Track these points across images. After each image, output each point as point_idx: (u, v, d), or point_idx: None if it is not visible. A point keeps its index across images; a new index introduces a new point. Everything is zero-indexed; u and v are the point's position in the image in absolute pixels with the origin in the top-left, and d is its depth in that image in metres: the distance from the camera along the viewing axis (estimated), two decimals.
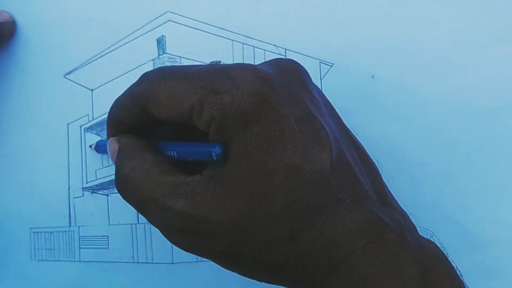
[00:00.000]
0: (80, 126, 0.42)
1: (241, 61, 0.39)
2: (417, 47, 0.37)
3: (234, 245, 0.29)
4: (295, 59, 0.38)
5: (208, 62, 0.39)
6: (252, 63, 0.39)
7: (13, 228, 0.43)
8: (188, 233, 0.29)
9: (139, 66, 0.41)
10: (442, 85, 0.36)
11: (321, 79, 0.38)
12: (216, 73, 0.30)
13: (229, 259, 0.30)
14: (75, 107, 0.41)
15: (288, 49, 0.38)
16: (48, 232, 0.42)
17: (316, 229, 0.28)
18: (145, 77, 0.32)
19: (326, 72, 0.38)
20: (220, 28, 0.39)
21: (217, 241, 0.29)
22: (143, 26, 0.40)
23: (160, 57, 0.40)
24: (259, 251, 0.29)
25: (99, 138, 0.41)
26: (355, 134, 0.32)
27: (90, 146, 0.41)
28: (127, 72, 0.41)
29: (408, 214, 0.31)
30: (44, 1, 0.42)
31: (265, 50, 0.39)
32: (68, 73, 0.42)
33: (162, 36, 0.40)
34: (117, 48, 0.41)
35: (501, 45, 0.36)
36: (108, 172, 0.41)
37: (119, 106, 0.34)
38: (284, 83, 0.30)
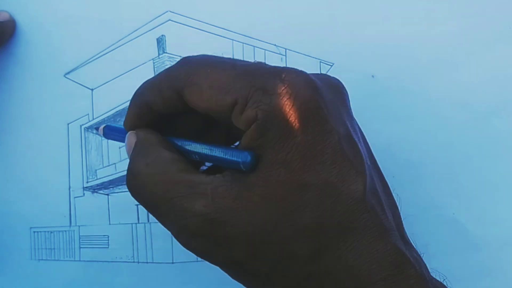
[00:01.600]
0: (80, 126, 0.42)
1: None
2: (417, 47, 0.37)
3: (252, 256, 0.28)
4: (295, 59, 0.38)
5: None
6: None
7: (13, 227, 0.43)
8: (205, 237, 0.28)
9: (139, 65, 0.41)
10: (442, 85, 0.36)
11: None
12: (269, 72, 0.28)
13: (243, 269, 0.29)
14: (75, 106, 0.41)
15: (288, 49, 0.38)
16: (48, 231, 0.42)
17: (341, 252, 0.27)
18: (188, 61, 0.30)
19: (326, 72, 0.38)
20: (220, 28, 0.39)
21: (235, 249, 0.27)
22: (143, 26, 0.40)
23: (160, 56, 0.40)
24: (277, 266, 0.27)
25: (99, 139, 0.41)
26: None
27: (96, 129, 0.37)
28: (127, 72, 0.41)
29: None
30: (44, 1, 0.42)
31: (265, 50, 0.39)
32: (68, 73, 0.42)
33: (162, 35, 0.40)
34: (117, 47, 0.41)
35: (501, 45, 0.36)
36: (108, 171, 0.41)
37: (150, 88, 0.31)
38: (332, 99, 0.29)
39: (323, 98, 0.28)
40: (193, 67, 0.29)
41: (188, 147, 0.30)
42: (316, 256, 0.27)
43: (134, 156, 0.31)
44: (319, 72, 0.32)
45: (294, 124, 0.27)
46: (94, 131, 0.39)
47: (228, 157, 0.28)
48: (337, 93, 0.30)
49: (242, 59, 0.38)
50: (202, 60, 0.29)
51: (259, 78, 0.28)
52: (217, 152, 0.29)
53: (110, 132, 0.36)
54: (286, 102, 0.27)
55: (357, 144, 0.28)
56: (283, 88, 0.27)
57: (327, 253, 0.27)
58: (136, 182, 0.30)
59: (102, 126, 0.36)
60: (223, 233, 0.27)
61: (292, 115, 0.27)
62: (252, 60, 0.39)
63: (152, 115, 0.31)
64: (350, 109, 0.31)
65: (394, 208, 0.30)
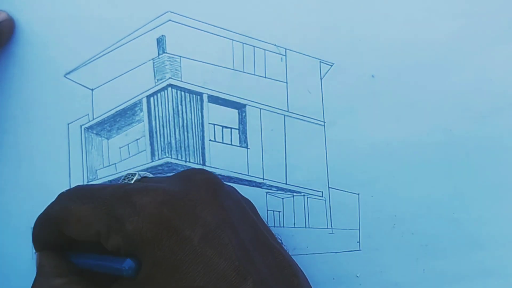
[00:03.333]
0: (81, 126, 0.42)
1: (241, 61, 0.39)
2: (417, 47, 0.37)
3: None
4: (295, 59, 0.38)
5: (208, 61, 0.39)
6: (252, 63, 0.39)
7: (13, 227, 0.43)
8: None
9: (139, 65, 0.41)
10: (442, 85, 0.36)
11: (321, 79, 0.38)
12: (119, 199, 0.30)
13: None
14: (75, 106, 0.41)
15: (288, 49, 0.38)
16: None
17: None
18: (59, 197, 0.34)
19: (326, 72, 0.38)
20: (220, 28, 0.39)
21: None
22: (143, 26, 0.40)
23: (160, 56, 0.40)
24: None
25: (99, 138, 0.41)
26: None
27: None
28: (127, 72, 0.41)
29: None
30: (44, 0, 0.42)
31: (265, 50, 0.39)
32: (68, 73, 0.42)
33: (162, 35, 0.40)
34: (117, 47, 0.41)
35: (501, 45, 0.36)
36: (109, 171, 0.41)
37: (39, 225, 0.35)
38: (188, 201, 0.30)
39: (174, 207, 0.30)
40: (62, 204, 0.33)
41: (80, 260, 0.34)
42: None
43: (32, 286, 0.34)
44: (189, 169, 0.34)
45: (150, 243, 0.29)
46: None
47: (113, 264, 0.30)
48: (199, 188, 0.31)
49: (242, 59, 0.39)
50: (69, 195, 0.33)
51: (112, 207, 0.30)
52: (105, 262, 0.31)
53: None
54: (136, 226, 0.29)
55: (224, 237, 0.30)
56: (131, 213, 0.29)
57: None
58: None
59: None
60: None
61: (144, 237, 0.29)
62: (252, 61, 0.39)
63: (48, 245, 0.35)
64: (218, 195, 0.32)
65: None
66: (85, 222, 0.31)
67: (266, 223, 0.37)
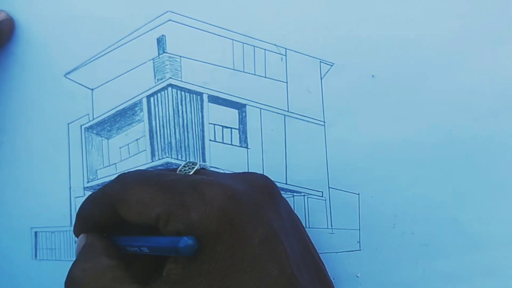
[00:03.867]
0: (81, 126, 0.42)
1: (241, 61, 0.39)
2: (417, 47, 0.37)
3: None
4: (295, 59, 0.38)
5: (208, 61, 0.39)
6: (252, 63, 0.39)
7: (14, 227, 0.43)
8: None
9: (139, 65, 0.41)
10: (442, 85, 0.36)
11: (321, 79, 0.38)
12: (187, 186, 0.30)
13: None
14: (76, 106, 0.41)
15: (288, 49, 0.38)
16: (49, 231, 0.42)
17: None
18: (120, 178, 0.33)
19: (326, 72, 0.38)
20: (220, 27, 0.39)
21: None
22: (143, 26, 0.40)
23: (160, 56, 0.40)
24: None
25: (99, 138, 0.41)
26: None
27: None
28: (127, 72, 0.41)
29: None
30: (44, 0, 0.42)
31: (265, 50, 0.39)
32: (68, 73, 0.42)
33: (162, 35, 0.40)
34: (117, 47, 0.41)
35: (501, 45, 0.36)
36: (109, 171, 0.41)
37: (92, 203, 0.34)
38: (252, 201, 0.30)
39: (240, 204, 0.30)
40: (124, 184, 0.32)
41: (129, 242, 0.33)
42: None
43: (76, 260, 0.33)
44: (252, 172, 0.34)
45: (212, 236, 0.29)
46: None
47: (169, 244, 0.29)
48: (261, 192, 0.32)
49: (242, 59, 0.39)
50: (132, 176, 0.32)
51: (178, 193, 0.30)
52: (157, 243, 0.31)
53: None
54: (202, 216, 0.29)
55: (282, 242, 0.30)
56: (199, 202, 0.29)
57: None
58: (71, 286, 0.32)
59: None
60: None
61: (209, 228, 0.29)
62: (252, 61, 0.39)
63: (95, 225, 0.34)
64: (277, 203, 0.32)
65: None
66: (146, 203, 0.30)
67: None
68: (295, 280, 0.29)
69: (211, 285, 0.28)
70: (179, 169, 0.34)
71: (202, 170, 0.34)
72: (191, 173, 0.33)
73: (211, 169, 0.39)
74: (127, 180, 0.32)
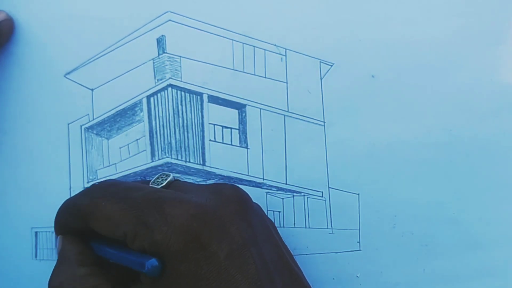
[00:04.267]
0: (81, 126, 0.42)
1: (241, 61, 0.39)
2: (417, 47, 0.37)
3: None
4: (295, 59, 0.38)
5: (208, 61, 0.39)
6: (252, 63, 0.39)
7: (14, 227, 0.43)
8: None
9: (139, 65, 0.41)
10: (442, 85, 0.36)
11: (321, 79, 0.38)
12: (151, 205, 0.30)
13: None
14: (76, 106, 0.41)
15: (288, 49, 0.38)
16: (49, 231, 0.42)
17: None
18: (90, 190, 0.34)
19: (326, 72, 0.38)
20: (220, 28, 0.39)
21: None
22: (143, 26, 0.40)
23: (160, 56, 0.40)
24: None
25: (99, 139, 0.41)
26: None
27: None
28: (127, 72, 0.41)
29: None
30: (44, 0, 0.42)
31: (265, 50, 0.39)
32: (68, 73, 0.42)
33: (162, 35, 0.40)
34: (117, 47, 0.41)
35: (501, 45, 0.36)
36: (109, 172, 0.41)
37: (66, 211, 0.35)
38: (219, 215, 0.31)
39: (205, 221, 0.30)
40: (92, 198, 0.32)
41: (104, 252, 0.33)
42: None
43: (53, 271, 0.33)
44: (220, 183, 0.35)
45: (175, 256, 0.29)
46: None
47: (135, 259, 0.30)
48: (229, 202, 0.32)
49: (242, 59, 0.39)
50: (101, 190, 0.33)
51: (143, 212, 0.30)
52: (128, 256, 0.31)
53: None
54: (164, 237, 0.29)
55: (251, 253, 0.30)
56: (162, 223, 0.29)
57: None
58: None
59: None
60: None
61: (171, 248, 0.29)
62: (252, 61, 0.39)
63: (72, 230, 0.35)
64: (247, 213, 0.32)
65: None
66: (113, 221, 0.31)
67: None
68: None
69: None
70: (152, 180, 0.35)
71: (175, 182, 0.34)
72: (163, 184, 0.34)
73: (187, 180, 0.39)
74: (96, 194, 0.33)
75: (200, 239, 0.29)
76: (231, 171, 0.39)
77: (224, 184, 0.34)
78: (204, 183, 0.39)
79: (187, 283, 0.29)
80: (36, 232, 0.43)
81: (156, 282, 0.30)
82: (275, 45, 0.39)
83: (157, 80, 0.40)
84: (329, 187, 0.38)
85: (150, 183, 0.34)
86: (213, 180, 0.39)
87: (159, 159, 0.40)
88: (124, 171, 0.41)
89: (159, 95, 0.40)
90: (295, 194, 0.39)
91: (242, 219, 0.31)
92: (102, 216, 0.32)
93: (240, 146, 0.39)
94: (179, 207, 0.30)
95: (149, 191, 0.32)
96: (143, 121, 0.41)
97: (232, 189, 0.33)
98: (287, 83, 0.39)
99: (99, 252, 0.34)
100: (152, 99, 0.40)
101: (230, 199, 0.32)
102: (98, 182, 0.34)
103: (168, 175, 0.34)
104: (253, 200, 0.35)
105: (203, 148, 0.40)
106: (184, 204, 0.30)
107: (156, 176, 0.35)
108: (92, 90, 0.41)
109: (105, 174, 0.41)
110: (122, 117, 0.41)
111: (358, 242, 0.38)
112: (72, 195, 0.42)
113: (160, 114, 0.40)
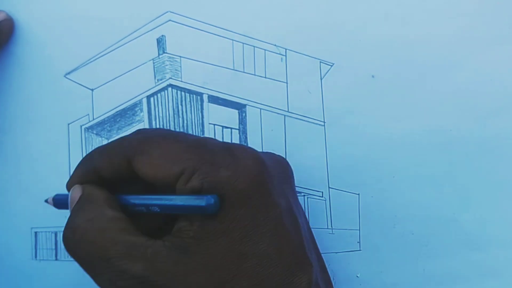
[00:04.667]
0: (81, 126, 0.42)
1: (241, 61, 0.39)
2: (417, 47, 0.37)
3: None
4: (295, 59, 0.38)
5: (208, 62, 0.39)
6: (252, 63, 0.39)
7: (14, 227, 0.43)
8: None
9: (139, 65, 0.41)
10: (442, 85, 0.36)
11: (321, 79, 0.38)
12: (219, 147, 0.30)
13: None
14: (76, 107, 0.41)
15: (288, 49, 0.38)
16: (49, 231, 0.42)
17: None
18: (142, 131, 0.32)
19: (326, 72, 0.38)
20: (220, 28, 0.39)
21: None
22: (143, 26, 0.40)
23: (160, 57, 0.40)
24: None
25: (99, 139, 0.41)
26: None
27: (46, 201, 0.37)
28: (127, 72, 0.41)
29: None
30: (44, 0, 0.42)
31: (265, 50, 0.39)
32: (69, 73, 0.42)
33: (162, 36, 0.40)
34: (117, 48, 0.41)
35: (501, 45, 0.36)
36: None
37: (102, 154, 0.32)
38: (277, 175, 0.30)
39: (269, 174, 0.29)
40: (146, 137, 0.30)
41: (142, 201, 0.31)
42: None
43: (76, 210, 0.31)
44: (271, 152, 0.34)
45: (238, 197, 0.28)
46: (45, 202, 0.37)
47: (190, 203, 0.28)
48: (283, 169, 0.32)
49: (242, 59, 0.39)
50: (155, 131, 0.31)
51: (208, 152, 0.29)
52: (177, 201, 0.29)
53: (61, 201, 0.35)
54: (232, 176, 0.28)
55: (297, 218, 0.30)
56: (231, 162, 0.28)
57: None
58: (74, 237, 0.30)
59: (50, 197, 0.36)
60: None
61: (237, 188, 0.28)
62: (252, 61, 0.39)
63: (98, 179, 0.32)
64: (293, 185, 0.33)
65: (325, 273, 0.32)
66: (171, 158, 0.29)
67: None
68: (308, 257, 0.29)
69: (230, 244, 0.28)
70: None
71: None
72: None
73: None
74: (150, 134, 0.31)
75: (264, 186, 0.29)
76: None
77: (275, 154, 0.33)
78: None
79: (242, 227, 0.28)
80: (36, 232, 0.43)
81: (207, 224, 0.28)
82: (275, 45, 0.39)
83: (157, 80, 0.40)
84: (329, 187, 0.38)
85: None
86: None
87: None
88: None
89: (159, 95, 0.40)
90: None
91: (291, 187, 0.32)
92: (156, 154, 0.29)
93: None
94: (249, 153, 0.29)
95: (208, 138, 0.31)
96: (143, 121, 0.41)
97: (283, 159, 0.33)
98: (287, 83, 0.39)
99: (129, 205, 0.31)
100: (152, 99, 0.40)
101: (283, 167, 0.32)
102: (147, 128, 0.32)
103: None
104: None
105: None
106: (253, 152, 0.30)
107: None
108: (92, 90, 0.41)
109: None
110: (122, 117, 0.41)
111: (358, 242, 0.38)
112: None
113: (160, 114, 0.40)
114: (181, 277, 0.27)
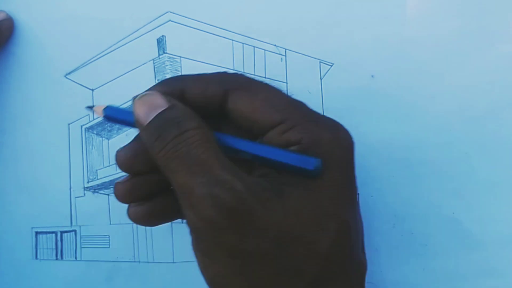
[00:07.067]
0: (81, 126, 0.42)
1: (241, 61, 0.39)
2: (417, 47, 0.37)
3: (267, 252, 0.27)
4: (295, 59, 0.38)
5: (208, 62, 0.39)
6: (252, 63, 0.39)
7: (15, 227, 0.43)
8: (232, 222, 0.26)
9: (140, 66, 0.41)
10: (442, 85, 0.36)
11: (321, 79, 0.38)
12: (321, 116, 0.31)
13: (249, 269, 0.28)
14: (76, 107, 0.42)
15: (288, 49, 0.38)
16: (49, 231, 0.42)
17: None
18: (248, 76, 0.31)
19: (326, 72, 0.38)
20: (220, 28, 0.39)
21: (258, 239, 0.27)
22: (143, 26, 0.40)
23: (160, 57, 0.40)
24: (282, 274, 0.28)
25: (99, 139, 0.41)
26: None
27: (90, 108, 0.32)
28: (127, 72, 0.41)
29: None
30: (44, 1, 0.42)
31: (265, 50, 0.39)
32: (69, 73, 0.42)
33: (162, 36, 0.40)
34: (117, 48, 0.41)
35: (501, 45, 0.36)
36: (109, 171, 0.41)
37: (195, 78, 0.30)
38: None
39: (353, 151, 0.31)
40: (251, 78, 0.30)
41: (244, 147, 0.29)
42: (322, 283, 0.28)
43: (174, 113, 0.28)
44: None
45: (333, 161, 0.29)
46: (88, 109, 0.32)
47: (298, 164, 0.28)
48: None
49: (242, 59, 0.39)
50: (262, 81, 0.31)
51: (312, 115, 0.30)
52: (284, 157, 0.28)
53: (114, 112, 0.31)
54: (334, 139, 0.29)
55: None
56: (333, 127, 0.30)
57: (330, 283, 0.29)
58: (172, 131, 0.28)
59: (101, 106, 0.32)
60: (253, 222, 0.27)
61: (335, 154, 0.29)
62: (252, 61, 0.39)
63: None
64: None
65: None
66: (275, 104, 0.29)
67: None
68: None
69: (319, 201, 0.28)
70: None
71: None
72: None
73: None
74: (255, 81, 0.30)
75: (353, 160, 0.30)
76: None
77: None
78: None
79: (336, 188, 0.29)
80: (36, 232, 0.43)
81: (308, 186, 0.28)
82: (275, 45, 0.39)
83: (158, 80, 0.40)
84: None
85: None
86: None
87: None
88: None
89: None
90: None
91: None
92: (262, 95, 0.29)
93: None
94: (341, 125, 0.30)
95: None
96: None
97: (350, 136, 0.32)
98: (287, 83, 0.39)
99: (230, 142, 0.29)
100: None
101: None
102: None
103: None
104: None
105: None
106: (343, 126, 0.31)
107: None
108: (92, 90, 0.41)
109: (105, 174, 0.41)
110: None
111: None
112: (72, 195, 0.42)
113: None
114: (277, 210, 0.27)
